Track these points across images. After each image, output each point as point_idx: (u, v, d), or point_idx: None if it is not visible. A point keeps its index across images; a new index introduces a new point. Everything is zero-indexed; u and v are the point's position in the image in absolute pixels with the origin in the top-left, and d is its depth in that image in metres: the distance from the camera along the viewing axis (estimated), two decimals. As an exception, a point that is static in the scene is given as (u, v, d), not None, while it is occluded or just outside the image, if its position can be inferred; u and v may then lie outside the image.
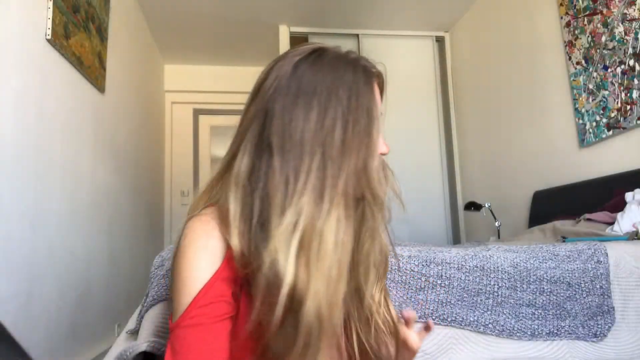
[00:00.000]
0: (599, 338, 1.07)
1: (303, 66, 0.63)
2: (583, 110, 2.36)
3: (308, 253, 0.55)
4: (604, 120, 2.22)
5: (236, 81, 4.56)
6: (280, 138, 0.59)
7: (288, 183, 0.57)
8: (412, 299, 1.01)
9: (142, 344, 0.83)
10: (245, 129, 0.64)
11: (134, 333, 0.94)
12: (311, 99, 0.60)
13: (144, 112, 3.62)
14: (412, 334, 0.70)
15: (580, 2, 2.37)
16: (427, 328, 0.73)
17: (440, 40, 3.95)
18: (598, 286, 1.10)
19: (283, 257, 0.54)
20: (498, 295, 1.05)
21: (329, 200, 0.57)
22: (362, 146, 0.60)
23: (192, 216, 0.62)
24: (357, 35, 3.76)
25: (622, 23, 2.11)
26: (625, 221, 1.66)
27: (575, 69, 2.41)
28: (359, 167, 0.59)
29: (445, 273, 1.04)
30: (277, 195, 0.57)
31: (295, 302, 0.54)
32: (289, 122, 0.59)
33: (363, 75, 0.64)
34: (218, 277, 0.57)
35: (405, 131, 3.69)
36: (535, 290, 1.07)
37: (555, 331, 1.05)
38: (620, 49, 2.11)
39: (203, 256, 0.58)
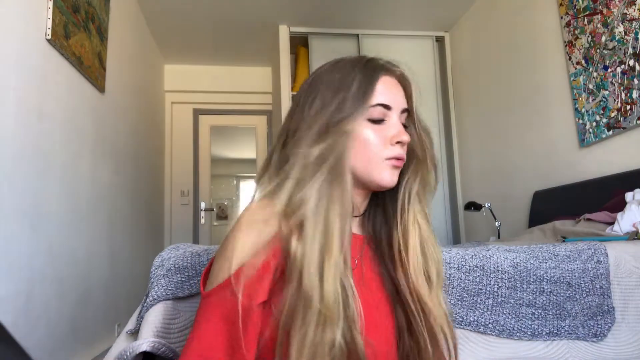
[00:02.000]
0: (599, 338, 1.07)
1: (321, 70, 0.74)
2: (583, 110, 2.36)
3: (307, 231, 0.60)
4: (604, 120, 2.22)
5: (236, 81, 4.56)
6: (296, 126, 0.69)
7: (296, 163, 0.64)
8: (412, 299, 1.01)
9: (142, 344, 0.83)
10: (280, 129, 0.75)
11: (134, 333, 0.95)
12: (319, 92, 0.69)
13: (144, 112, 3.62)
14: None
15: (580, 2, 2.37)
16: None
17: (440, 40, 3.95)
18: (598, 286, 1.10)
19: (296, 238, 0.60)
20: (498, 295, 1.05)
21: (334, 177, 0.63)
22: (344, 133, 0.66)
23: (252, 202, 0.67)
24: (357, 35, 3.76)
25: (622, 23, 2.11)
26: (625, 221, 1.66)
27: (575, 69, 2.41)
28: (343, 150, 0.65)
29: (445, 273, 1.04)
30: (292, 173, 0.64)
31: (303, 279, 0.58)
32: (302, 112, 0.70)
33: (366, 70, 0.70)
34: (260, 262, 0.59)
35: (405, 131, 3.69)
36: (535, 290, 1.07)
37: (555, 331, 1.05)
38: (620, 49, 2.11)
39: (251, 237, 0.60)
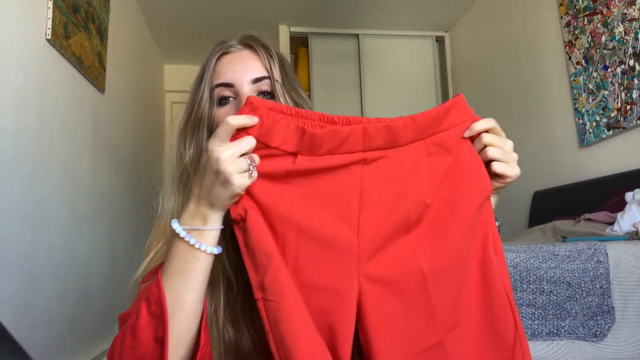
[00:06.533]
0: (599, 338, 1.07)
1: None
2: (583, 110, 2.36)
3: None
4: (604, 120, 2.22)
5: (236, 81, 4.56)
6: None
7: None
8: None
9: (142, 344, 0.83)
10: None
11: (134, 333, 0.94)
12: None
13: (144, 112, 3.62)
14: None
15: (580, 2, 2.37)
16: None
17: (440, 40, 3.95)
18: (598, 286, 1.10)
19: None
20: (498, 295, 1.05)
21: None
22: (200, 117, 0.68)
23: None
24: (357, 35, 3.76)
25: (622, 23, 2.11)
26: (625, 221, 1.66)
27: (575, 69, 2.41)
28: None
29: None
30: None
31: None
32: None
33: (207, 60, 0.73)
34: None
35: (405, 131, 3.69)
36: (535, 290, 1.07)
37: (555, 331, 1.05)
38: (620, 49, 2.11)
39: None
